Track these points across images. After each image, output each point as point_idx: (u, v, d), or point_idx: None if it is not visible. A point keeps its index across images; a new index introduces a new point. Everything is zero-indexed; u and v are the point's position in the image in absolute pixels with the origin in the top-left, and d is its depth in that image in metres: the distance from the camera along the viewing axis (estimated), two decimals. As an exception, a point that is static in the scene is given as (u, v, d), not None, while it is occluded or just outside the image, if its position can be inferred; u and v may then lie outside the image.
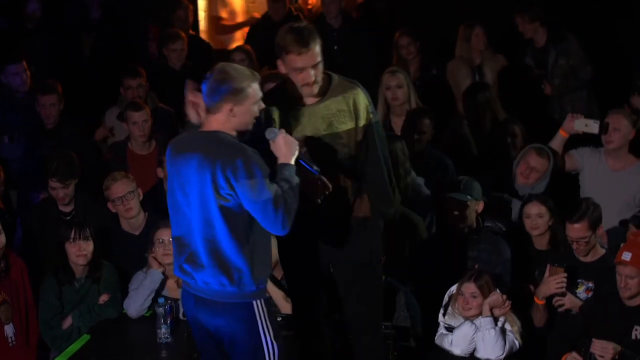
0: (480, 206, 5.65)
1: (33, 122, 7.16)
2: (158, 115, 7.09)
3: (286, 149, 4.18)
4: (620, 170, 6.00)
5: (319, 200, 4.51)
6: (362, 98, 4.61)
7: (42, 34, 8.32)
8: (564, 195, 5.79)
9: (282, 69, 4.54)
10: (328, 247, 4.69)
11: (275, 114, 4.54)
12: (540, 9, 7.74)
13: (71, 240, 5.49)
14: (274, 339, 4.19)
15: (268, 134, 4.21)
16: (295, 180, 4.15)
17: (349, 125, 4.58)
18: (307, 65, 4.44)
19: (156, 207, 6.00)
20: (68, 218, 6.12)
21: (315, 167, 4.34)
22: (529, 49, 7.83)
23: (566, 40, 7.69)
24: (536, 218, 5.54)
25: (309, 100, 4.57)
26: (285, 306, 5.28)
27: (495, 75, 7.76)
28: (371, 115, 4.63)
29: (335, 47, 8.09)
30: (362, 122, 4.60)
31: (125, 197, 5.87)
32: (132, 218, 5.95)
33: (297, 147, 4.22)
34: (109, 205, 5.95)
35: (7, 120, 7.25)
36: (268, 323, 4.18)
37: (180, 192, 4.17)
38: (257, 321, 4.16)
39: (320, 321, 4.86)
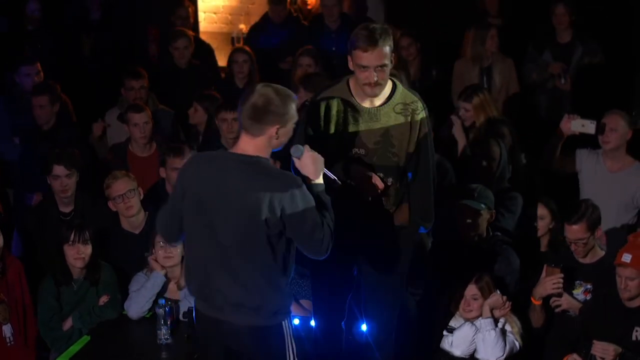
0: (491, 216, 5.65)
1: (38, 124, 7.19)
2: (158, 117, 7.11)
3: (314, 166, 4.10)
4: (618, 171, 5.98)
5: (370, 198, 4.58)
6: (421, 112, 4.65)
7: (42, 35, 8.32)
8: (563, 197, 5.79)
9: (350, 64, 4.56)
10: (358, 250, 4.73)
11: (334, 110, 4.59)
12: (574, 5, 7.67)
13: (70, 242, 5.48)
14: (297, 356, 4.15)
15: (294, 151, 4.14)
16: (328, 199, 4.09)
17: (404, 135, 4.61)
18: (371, 64, 4.45)
19: (157, 206, 5.99)
20: (68, 218, 6.12)
21: (336, 180, 4.31)
22: (549, 45, 7.75)
23: (593, 40, 7.65)
24: (537, 220, 5.56)
25: (370, 103, 4.60)
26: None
27: (503, 79, 7.72)
28: (426, 130, 4.66)
29: (333, 49, 8.11)
30: (416, 135, 4.64)
31: (125, 195, 5.86)
32: (133, 217, 5.94)
33: (323, 163, 4.14)
34: (110, 203, 5.95)
35: (17, 121, 7.24)
36: (293, 341, 4.14)
37: (204, 215, 4.03)
38: (284, 341, 4.11)
39: (341, 322, 4.91)
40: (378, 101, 4.61)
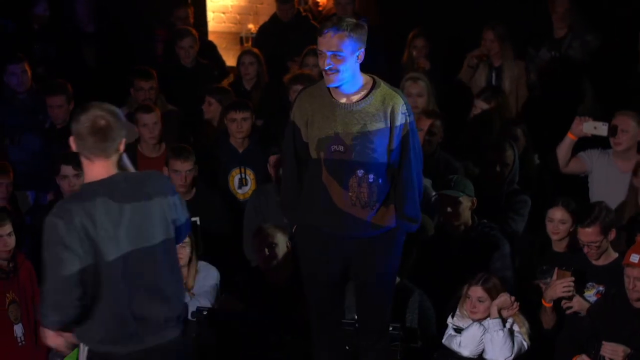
0: (473, 203, 5.63)
1: (36, 124, 7.17)
2: (166, 118, 7.09)
3: None
4: (629, 172, 5.94)
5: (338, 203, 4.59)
6: (401, 108, 4.56)
7: (49, 35, 8.33)
8: (574, 198, 5.76)
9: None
10: (346, 251, 4.70)
11: (310, 109, 4.58)
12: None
13: None
14: None
15: None
16: None
17: (382, 131, 4.54)
18: (323, 49, 4.45)
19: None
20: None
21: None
22: (546, 41, 7.66)
23: (590, 34, 7.54)
24: (558, 224, 5.47)
25: (347, 99, 4.56)
26: None
27: (512, 83, 7.65)
28: (409, 127, 4.59)
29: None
30: (397, 131, 4.56)
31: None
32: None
33: None
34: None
35: (8, 122, 7.25)
36: None
37: (118, 250, 3.83)
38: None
39: (335, 324, 4.89)
40: (355, 97, 4.56)
